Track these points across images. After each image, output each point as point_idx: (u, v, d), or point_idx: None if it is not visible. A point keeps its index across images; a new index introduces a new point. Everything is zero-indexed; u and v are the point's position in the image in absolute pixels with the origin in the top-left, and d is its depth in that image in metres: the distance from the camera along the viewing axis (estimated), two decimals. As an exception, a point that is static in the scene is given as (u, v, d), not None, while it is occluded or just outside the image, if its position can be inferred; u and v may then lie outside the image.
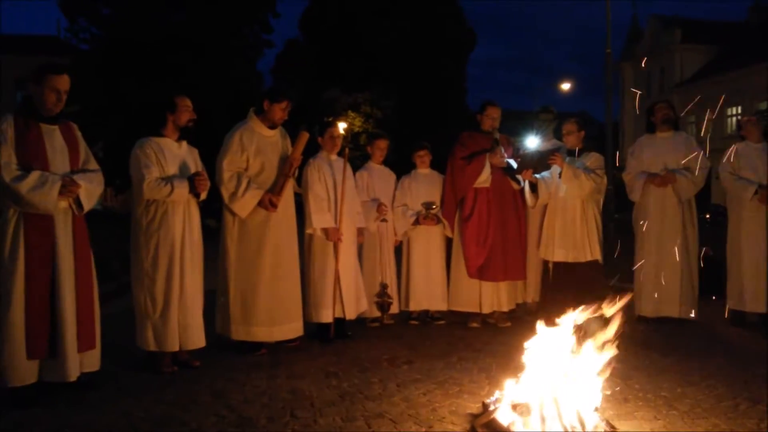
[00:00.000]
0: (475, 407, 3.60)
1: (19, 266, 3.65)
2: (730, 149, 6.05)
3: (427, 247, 6.01)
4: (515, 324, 5.83)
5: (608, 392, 3.39)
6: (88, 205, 3.90)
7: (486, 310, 5.83)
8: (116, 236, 5.77)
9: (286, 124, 5.11)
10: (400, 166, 6.20)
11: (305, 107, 23.49)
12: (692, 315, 5.84)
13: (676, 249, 5.80)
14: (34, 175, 3.65)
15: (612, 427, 3.22)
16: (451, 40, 29.93)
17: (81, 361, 3.84)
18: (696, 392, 3.90)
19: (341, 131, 5.59)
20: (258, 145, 4.88)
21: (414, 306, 6.00)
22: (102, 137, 19.74)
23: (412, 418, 3.48)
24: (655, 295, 5.82)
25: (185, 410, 3.61)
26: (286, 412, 3.59)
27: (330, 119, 6.45)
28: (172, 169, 4.39)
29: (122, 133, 15.22)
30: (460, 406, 3.67)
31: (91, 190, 3.91)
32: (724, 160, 5.97)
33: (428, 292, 5.96)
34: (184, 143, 4.56)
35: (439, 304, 5.97)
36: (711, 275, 6.41)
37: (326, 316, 5.24)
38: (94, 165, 4.04)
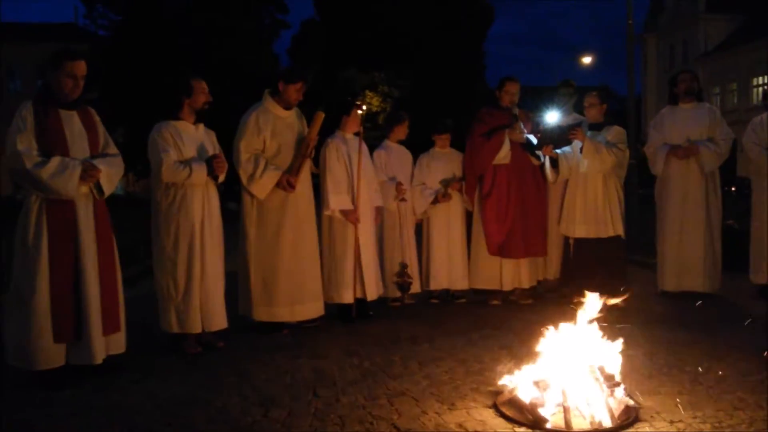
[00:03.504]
0: (496, 384, 3.59)
1: (43, 251, 3.70)
2: (756, 119, 5.92)
3: (447, 226, 5.98)
4: (536, 301, 5.80)
5: (632, 368, 3.36)
6: (108, 189, 3.93)
7: (507, 288, 5.80)
8: (140, 221, 5.82)
9: (303, 104, 5.09)
10: (418, 145, 6.15)
11: (322, 87, 23.37)
12: (715, 289, 5.77)
13: (699, 222, 5.71)
14: (55, 161, 3.68)
15: (637, 402, 3.20)
16: (468, 16, 29.50)
17: (107, 344, 3.88)
18: (721, 367, 3.84)
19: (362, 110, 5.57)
20: (274, 126, 4.87)
21: (435, 285, 5.99)
22: (122, 123, 19.90)
23: (434, 396, 3.49)
24: (678, 270, 5.76)
25: (210, 391, 3.65)
26: (308, 391, 3.61)
27: (352, 98, 6.40)
28: (189, 152, 4.40)
29: (142, 118, 15.34)
30: (481, 383, 3.66)
31: (111, 175, 3.93)
32: (749, 130, 5.85)
33: (449, 271, 5.94)
34: (201, 126, 4.57)
35: (460, 283, 5.96)
36: (736, 248, 6.31)
37: (347, 297, 5.25)
38: (113, 149, 4.06)
